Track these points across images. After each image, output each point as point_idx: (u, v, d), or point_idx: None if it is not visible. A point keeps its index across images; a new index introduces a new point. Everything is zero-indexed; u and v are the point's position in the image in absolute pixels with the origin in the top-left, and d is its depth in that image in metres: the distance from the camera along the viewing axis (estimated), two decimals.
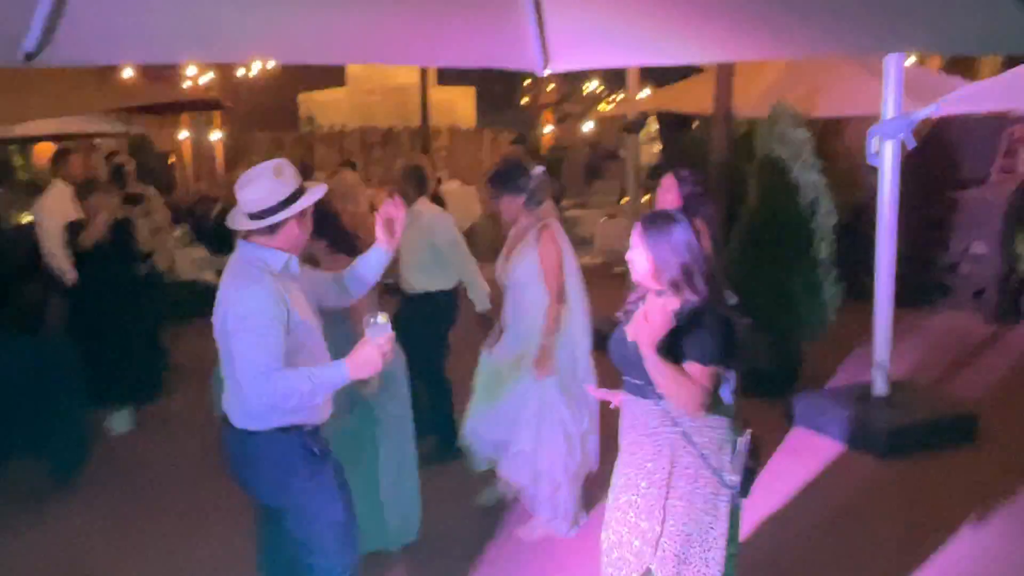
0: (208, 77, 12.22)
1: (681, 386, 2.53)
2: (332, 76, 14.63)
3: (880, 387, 5.61)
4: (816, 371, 6.47)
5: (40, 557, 4.20)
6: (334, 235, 3.72)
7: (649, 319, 2.46)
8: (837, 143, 11.12)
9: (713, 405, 2.63)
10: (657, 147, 15.09)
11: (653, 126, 14.70)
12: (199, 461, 5.30)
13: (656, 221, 2.70)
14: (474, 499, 4.58)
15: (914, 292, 8.95)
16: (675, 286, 2.63)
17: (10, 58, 1.95)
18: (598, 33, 3.15)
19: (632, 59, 4.96)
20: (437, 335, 5.10)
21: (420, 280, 5.01)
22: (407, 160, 5.53)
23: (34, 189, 9.12)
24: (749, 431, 2.71)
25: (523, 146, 8.66)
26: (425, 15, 2.99)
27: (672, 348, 2.55)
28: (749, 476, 2.65)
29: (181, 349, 7.58)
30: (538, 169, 4.06)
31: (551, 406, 4.03)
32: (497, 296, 4.52)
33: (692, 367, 2.56)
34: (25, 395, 4.77)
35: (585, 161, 17.77)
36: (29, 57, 1.94)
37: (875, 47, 3.65)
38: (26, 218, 8.45)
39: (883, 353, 5.59)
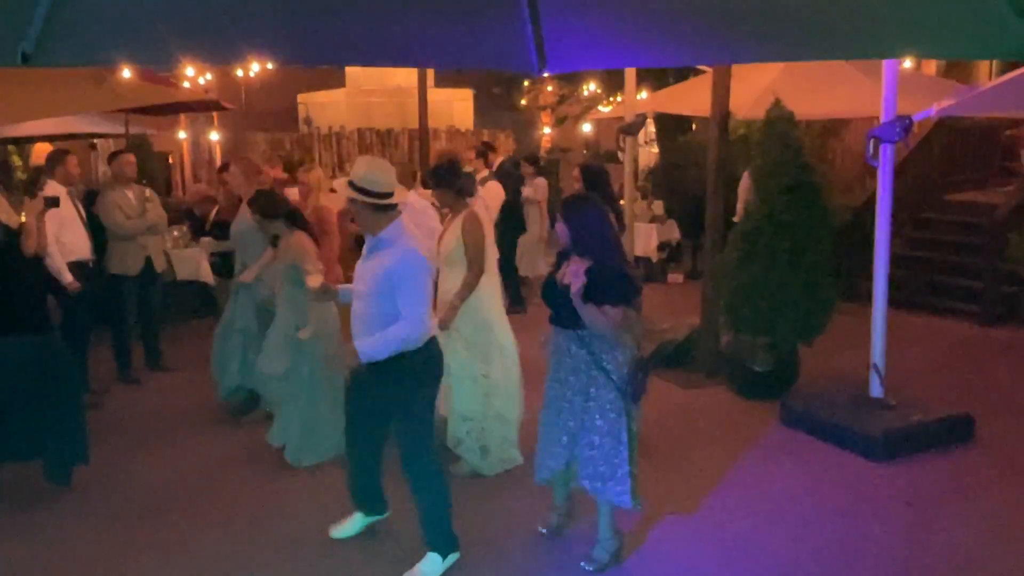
0: (207, 78, 12.19)
1: (598, 319, 3.61)
2: (331, 77, 14.61)
3: (876, 389, 5.62)
4: (812, 373, 6.48)
5: (35, 560, 4.19)
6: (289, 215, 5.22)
7: (573, 274, 3.58)
8: (835, 145, 11.18)
9: (620, 335, 3.71)
10: (655, 149, 15.12)
11: (651, 128, 14.72)
12: (199, 463, 5.31)
13: (574, 202, 3.82)
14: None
15: (910, 294, 8.99)
16: (586, 250, 3.65)
17: (7, 59, 1.95)
18: (595, 34, 3.16)
19: (629, 60, 4.98)
20: None
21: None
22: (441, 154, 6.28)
23: (32, 189, 9.10)
24: (640, 353, 3.84)
25: (483, 158, 8.92)
26: (421, 17, 2.99)
27: (593, 294, 3.58)
28: (639, 387, 3.77)
29: (180, 349, 7.59)
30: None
31: (468, 366, 4.79)
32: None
33: (607, 308, 3.61)
34: (24, 395, 4.75)
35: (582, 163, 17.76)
36: (26, 58, 1.95)
37: (872, 52, 3.65)
38: (22, 217, 8.41)
39: (879, 355, 5.60)
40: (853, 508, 4.58)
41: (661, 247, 11.07)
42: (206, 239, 6.23)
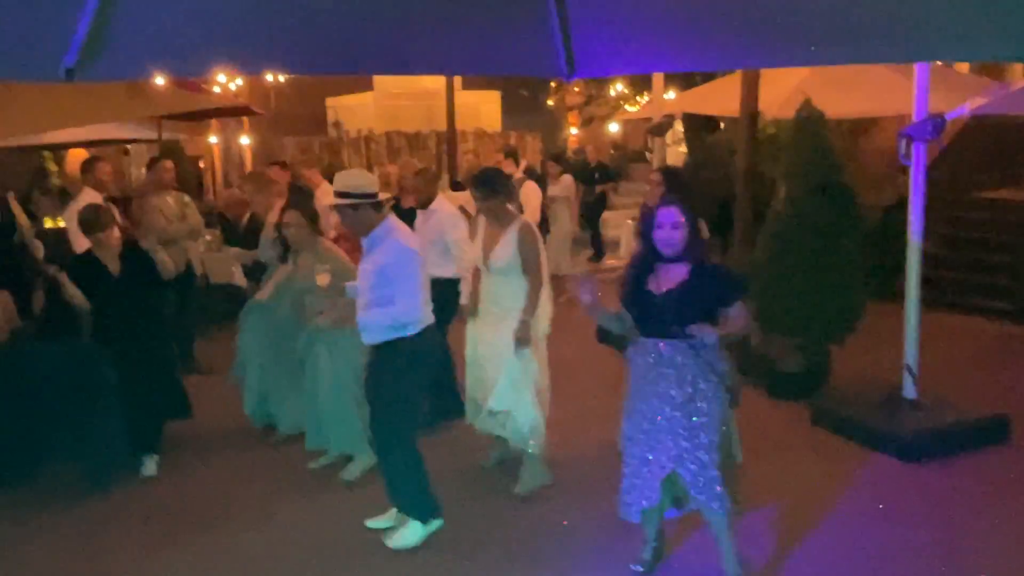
0: (237, 83, 12.35)
1: (733, 326, 3.47)
2: (359, 81, 14.75)
3: (909, 389, 5.57)
4: (844, 373, 6.43)
5: (67, 561, 4.27)
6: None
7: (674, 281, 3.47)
8: (866, 144, 11.07)
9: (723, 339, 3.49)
10: (683, 148, 15.07)
11: (679, 127, 14.68)
12: (233, 466, 5.38)
13: (689, 203, 3.58)
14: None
15: (943, 293, 8.88)
16: (701, 253, 3.54)
17: (52, 74, 2.02)
18: (623, 39, 3.18)
19: (657, 65, 5.00)
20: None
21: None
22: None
23: (67, 196, 9.29)
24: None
25: (513, 158, 9.06)
26: (451, 25, 3.03)
27: (708, 297, 3.44)
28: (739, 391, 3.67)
29: (213, 352, 7.68)
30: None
31: (528, 370, 4.68)
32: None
33: (737, 307, 3.48)
34: (63, 398, 4.86)
35: (611, 163, 17.74)
36: (70, 73, 2.01)
37: (902, 56, 3.64)
38: (61, 222, 8.59)
39: (912, 355, 5.56)
40: (886, 510, 4.55)
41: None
42: (235, 249, 6.24)
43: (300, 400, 5.31)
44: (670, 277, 3.50)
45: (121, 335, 5.12)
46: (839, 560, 4.02)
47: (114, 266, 5.12)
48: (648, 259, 3.61)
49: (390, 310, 3.95)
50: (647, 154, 14.78)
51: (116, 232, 5.17)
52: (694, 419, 3.50)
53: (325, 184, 7.99)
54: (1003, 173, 10.49)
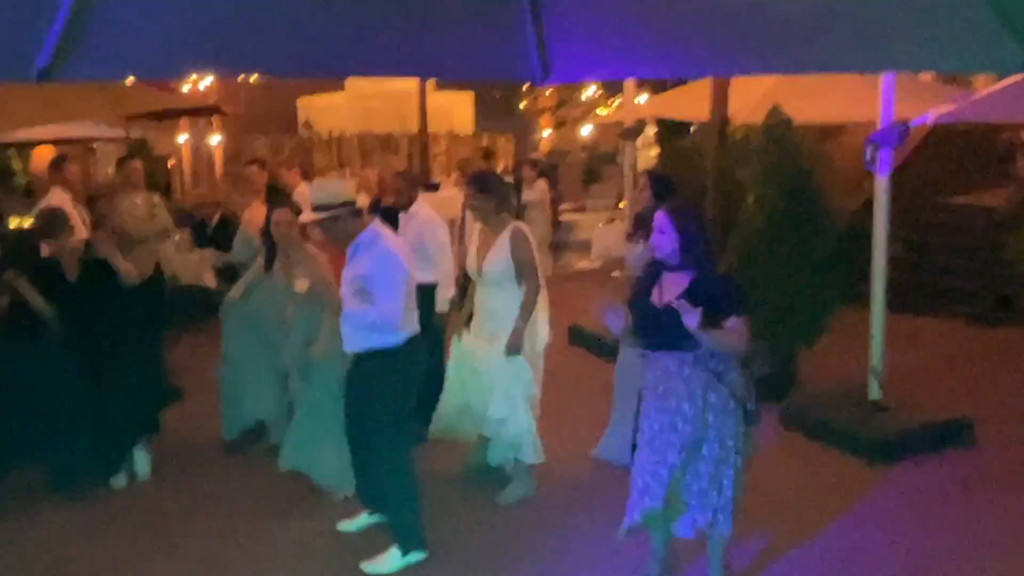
0: (207, 82, 12.25)
1: (726, 339, 3.33)
2: (331, 82, 14.68)
3: (875, 392, 5.67)
4: (812, 376, 6.52)
5: (32, 566, 4.23)
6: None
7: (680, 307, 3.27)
8: (833, 149, 11.20)
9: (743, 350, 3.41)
10: (654, 151, 15.16)
11: (651, 131, 14.77)
12: (202, 466, 5.34)
13: (682, 210, 3.47)
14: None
15: (908, 297, 9.02)
16: (697, 262, 3.40)
17: (24, 75, 2.00)
18: (598, 45, 3.20)
19: (630, 72, 5.02)
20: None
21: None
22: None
23: (31, 194, 9.17)
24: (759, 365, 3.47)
25: (489, 161, 9.09)
26: (424, 27, 3.03)
27: (708, 311, 3.27)
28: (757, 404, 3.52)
29: (183, 353, 7.62)
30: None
31: (521, 379, 4.58)
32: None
33: (734, 321, 3.34)
34: (27, 401, 4.79)
35: (583, 166, 17.85)
36: (42, 73, 1.99)
37: (869, 66, 3.71)
38: (27, 222, 8.46)
39: (878, 358, 5.65)
40: (854, 511, 4.62)
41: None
42: (209, 251, 6.10)
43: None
44: (672, 287, 3.41)
45: (84, 344, 4.92)
46: (809, 561, 4.08)
47: (72, 272, 4.90)
48: (653, 267, 3.56)
49: (371, 309, 3.84)
50: (617, 157, 14.85)
51: (75, 237, 5.00)
52: (705, 432, 3.44)
53: (303, 185, 7.95)
54: (967, 179, 10.67)
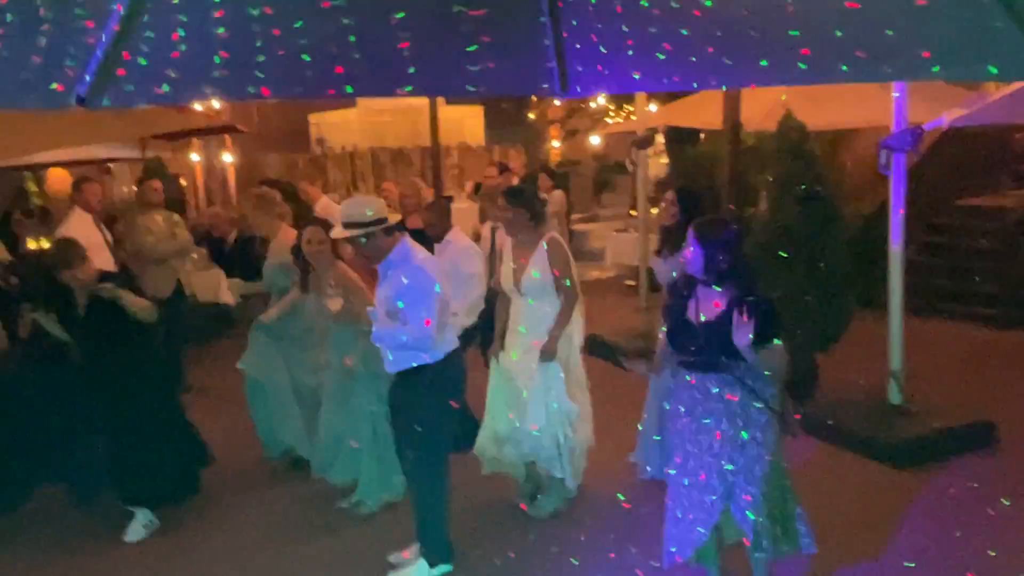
0: (220, 101, 12.34)
1: (773, 359, 3.27)
2: (343, 98, 14.77)
3: (895, 395, 5.66)
4: (831, 381, 6.51)
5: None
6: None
7: (737, 325, 3.18)
8: (846, 154, 11.22)
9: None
10: (664, 160, 15.20)
11: (660, 140, 14.81)
12: (227, 484, 5.38)
13: (712, 225, 3.38)
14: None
15: (926, 300, 9.01)
16: (724, 279, 3.30)
17: (64, 102, 2.05)
18: (617, 58, 3.23)
19: (647, 85, 5.05)
20: None
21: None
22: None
23: (48, 216, 9.27)
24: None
25: (507, 172, 9.08)
26: (443, 45, 3.07)
27: (757, 330, 3.17)
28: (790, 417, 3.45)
29: (202, 371, 7.68)
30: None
31: (553, 389, 4.54)
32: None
33: (773, 350, 3.25)
34: (47, 423, 4.80)
35: (593, 175, 17.88)
36: (81, 100, 2.04)
37: (888, 76, 3.72)
38: (45, 243, 8.56)
39: (897, 362, 5.65)
40: (875, 516, 4.62)
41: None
42: (235, 280, 5.83)
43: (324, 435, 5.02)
44: (709, 306, 3.33)
45: (97, 378, 4.77)
46: (830, 568, 4.07)
47: (81, 306, 4.73)
48: (688, 282, 3.48)
49: (404, 328, 3.82)
50: (628, 166, 14.87)
51: (90, 267, 4.77)
52: (745, 451, 3.34)
53: (324, 199, 7.91)
54: (981, 181, 10.66)
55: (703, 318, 3.34)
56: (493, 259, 6.01)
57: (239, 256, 8.58)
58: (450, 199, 7.79)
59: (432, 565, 4.08)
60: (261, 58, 2.49)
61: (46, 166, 11.83)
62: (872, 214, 9.43)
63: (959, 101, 8.52)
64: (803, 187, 6.19)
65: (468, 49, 3.15)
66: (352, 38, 2.80)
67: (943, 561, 4.13)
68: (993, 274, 8.99)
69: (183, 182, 16.77)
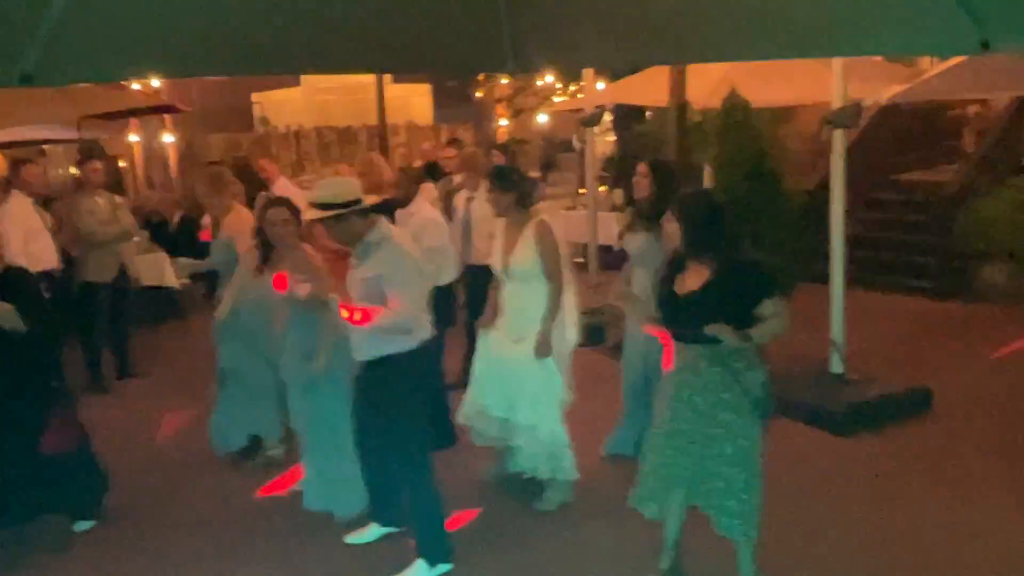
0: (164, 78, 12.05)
1: (769, 325, 3.30)
2: (286, 76, 14.56)
3: (837, 365, 5.83)
4: (775, 352, 6.64)
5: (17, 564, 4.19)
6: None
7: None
8: (787, 130, 11.44)
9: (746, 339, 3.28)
10: (611, 138, 15.31)
11: (607, 118, 14.90)
12: (177, 467, 5.33)
13: (690, 198, 3.44)
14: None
15: (864, 273, 9.26)
16: (704, 251, 3.31)
17: (5, 79, 2.01)
18: (567, 33, 3.26)
19: (595, 61, 5.08)
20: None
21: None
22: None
23: None
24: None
25: (458, 147, 8.97)
26: (390, 21, 3.06)
27: (732, 297, 3.25)
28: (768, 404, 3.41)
29: (147, 356, 7.56)
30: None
31: (551, 383, 4.38)
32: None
33: (769, 305, 3.27)
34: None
35: (540, 154, 17.90)
36: (25, 78, 2.00)
37: (828, 51, 3.83)
38: None
39: (838, 332, 5.81)
40: (819, 482, 4.76)
41: (621, 235, 11.23)
42: (183, 260, 5.58)
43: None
44: (695, 277, 3.34)
45: None
46: (770, 534, 4.18)
47: None
48: (675, 256, 3.48)
49: (385, 318, 3.62)
50: (574, 144, 14.92)
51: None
52: (715, 430, 3.37)
53: (283, 179, 7.59)
54: (916, 156, 10.96)
55: (687, 289, 3.35)
56: (468, 232, 6.02)
57: (183, 238, 8.44)
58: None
59: (432, 565, 3.88)
60: (213, 34, 2.46)
61: None
62: (813, 189, 9.65)
63: (895, 77, 8.76)
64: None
65: (418, 26, 3.16)
66: (305, 15, 2.79)
67: (885, 521, 4.29)
68: (929, 247, 9.27)
69: (122, 164, 16.35)
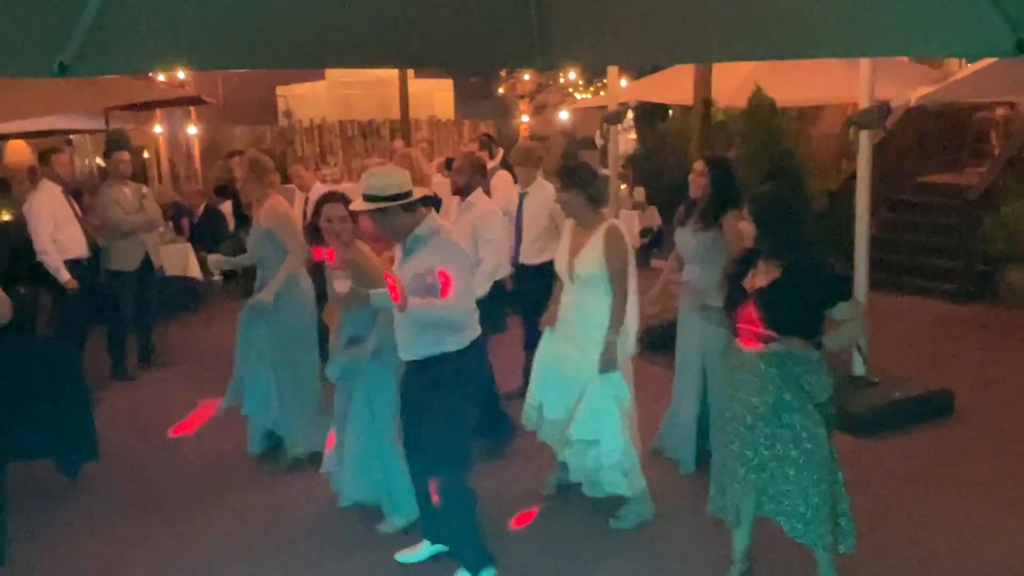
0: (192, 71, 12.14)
1: (844, 330, 3.31)
2: (311, 70, 14.62)
3: (859, 367, 5.80)
4: None
5: (42, 555, 4.24)
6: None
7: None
8: (811, 130, 11.38)
9: (818, 347, 3.28)
10: (632, 136, 15.27)
11: (629, 116, 14.86)
12: (200, 458, 5.37)
13: (762, 198, 3.43)
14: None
15: (887, 275, 9.20)
16: (784, 252, 3.28)
17: (43, 69, 2.04)
18: (593, 30, 3.27)
19: (626, 58, 5.04)
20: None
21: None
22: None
23: (7, 187, 9.12)
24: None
25: (487, 149, 8.85)
26: (420, 16, 3.07)
27: (801, 299, 3.21)
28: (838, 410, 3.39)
29: (170, 345, 7.63)
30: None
31: (615, 397, 4.14)
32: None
33: (840, 308, 3.23)
34: (32, 394, 4.73)
35: (561, 151, 17.89)
36: (63, 67, 2.03)
37: (857, 51, 3.79)
38: (5, 215, 8.42)
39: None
40: (846, 484, 4.72)
41: (643, 233, 11.23)
42: (214, 256, 5.48)
43: (316, 419, 4.86)
44: (765, 275, 3.31)
45: None
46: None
47: None
48: (749, 254, 3.46)
49: (436, 308, 3.43)
50: (596, 141, 14.92)
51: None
52: (780, 430, 3.30)
53: (318, 185, 7.22)
54: (941, 158, 10.87)
55: (756, 287, 3.32)
56: (520, 229, 5.69)
57: (206, 229, 8.50)
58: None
59: (475, 573, 3.73)
60: (243, 27, 2.49)
61: (4, 137, 11.59)
62: (836, 190, 9.60)
63: (922, 78, 8.69)
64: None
65: (449, 21, 3.17)
66: (334, 9, 2.81)
67: (910, 523, 4.26)
68: (954, 250, 9.19)
69: (146, 154, 16.49)
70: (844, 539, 3.42)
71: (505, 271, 5.47)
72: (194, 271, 8.84)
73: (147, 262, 6.79)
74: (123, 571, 4.06)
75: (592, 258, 4.13)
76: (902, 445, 5.23)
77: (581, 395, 4.13)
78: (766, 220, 3.32)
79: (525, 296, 5.54)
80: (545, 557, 4.06)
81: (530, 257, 5.59)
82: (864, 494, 4.59)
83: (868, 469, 4.92)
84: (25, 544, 4.28)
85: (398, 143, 11.17)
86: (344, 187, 8.21)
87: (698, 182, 4.68)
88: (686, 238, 4.75)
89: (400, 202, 3.47)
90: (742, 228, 3.42)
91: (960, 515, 4.36)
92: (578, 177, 4.18)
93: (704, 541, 4.07)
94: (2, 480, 4.27)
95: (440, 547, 3.96)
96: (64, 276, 6.09)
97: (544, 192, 5.50)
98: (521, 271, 5.68)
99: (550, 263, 4.74)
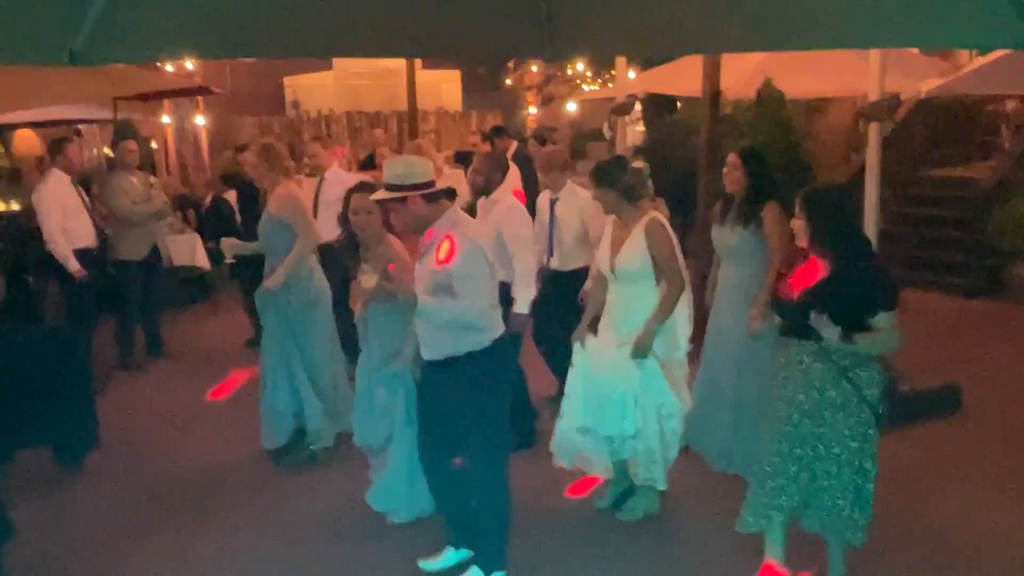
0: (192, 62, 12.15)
1: (880, 337, 3.16)
2: (317, 60, 14.59)
3: None
4: None
5: (46, 543, 4.23)
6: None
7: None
8: (820, 122, 11.32)
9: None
10: (640, 128, 15.22)
11: (637, 107, 14.80)
12: (206, 449, 5.39)
13: (814, 193, 3.35)
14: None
15: (896, 269, 9.17)
16: (835, 250, 3.19)
17: (55, 57, 2.04)
18: (603, 20, 3.26)
19: (635, 48, 5.00)
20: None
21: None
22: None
23: (17, 177, 9.15)
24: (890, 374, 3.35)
25: (491, 142, 8.77)
26: (428, 6, 3.07)
27: (845, 301, 3.13)
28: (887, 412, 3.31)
29: (178, 336, 7.65)
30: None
31: (652, 387, 4.06)
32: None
33: (881, 317, 3.14)
34: (32, 383, 4.79)
35: (569, 143, 17.85)
36: (73, 56, 2.03)
37: (863, 42, 3.77)
38: (15, 205, 8.46)
39: None
40: None
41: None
42: (229, 240, 5.41)
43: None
44: (811, 274, 3.26)
45: None
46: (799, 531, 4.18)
47: None
48: (800, 252, 3.37)
49: (455, 308, 3.34)
50: (606, 133, 14.86)
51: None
52: (822, 429, 3.25)
53: (335, 167, 7.07)
54: (951, 151, 10.81)
55: (802, 285, 3.26)
56: (553, 234, 5.44)
57: (214, 220, 8.51)
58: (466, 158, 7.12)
59: (488, 573, 3.67)
60: (251, 16, 2.48)
61: (14, 127, 11.60)
62: (846, 183, 9.55)
63: (932, 70, 8.64)
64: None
65: (458, 11, 3.16)
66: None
67: (919, 518, 4.26)
68: (962, 244, 9.15)
69: (154, 145, 16.51)
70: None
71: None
72: (202, 261, 8.86)
73: (154, 252, 6.81)
74: (128, 564, 4.07)
75: (634, 253, 4.06)
76: (908, 441, 5.22)
77: (622, 389, 4.02)
78: (822, 218, 3.23)
79: (560, 303, 5.23)
80: (551, 546, 4.07)
81: (566, 264, 5.38)
82: (877, 486, 4.59)
83: (879, 462, 4.90)
84: (29, 536, 4.29)
85: (378, 132, 11.15)
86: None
87: (733, 175, 4.56)
88: (725, 236, 4.62)
89: (422, 192, 3.37)
90: (793, 225, 3.31)
91: (967, 510, 4.36)
92: (605, 175, 4.14)
93: (712, 532, 4.08)
94: (5, 468, 4.30)
95: (464, 552, 3.86)
96: (73, 265, 6.11)
97: (575, 196, 5.33)
98: (553, 277, 5.43)
99: (583, 270, 4.81)
